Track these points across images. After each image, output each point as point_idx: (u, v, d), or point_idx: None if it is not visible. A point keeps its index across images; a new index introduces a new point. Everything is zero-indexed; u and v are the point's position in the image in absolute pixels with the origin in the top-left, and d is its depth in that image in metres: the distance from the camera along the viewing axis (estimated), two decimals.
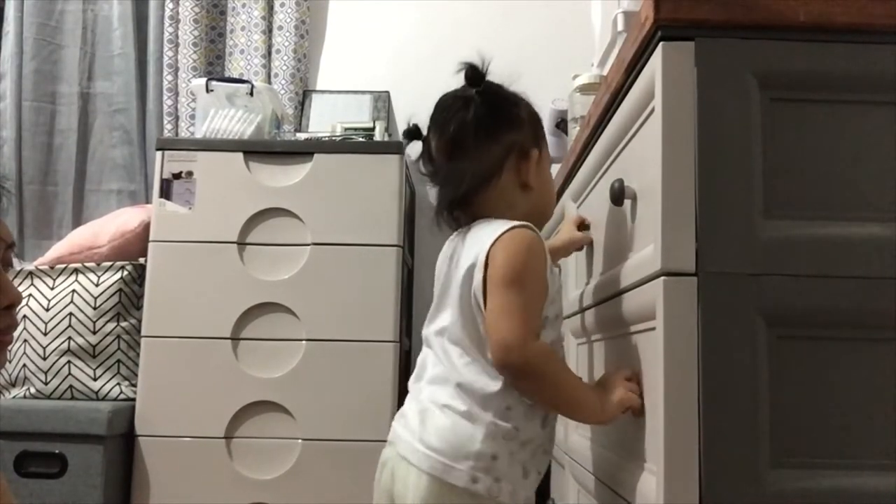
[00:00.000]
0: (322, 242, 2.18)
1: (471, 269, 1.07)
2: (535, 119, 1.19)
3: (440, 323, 1.12)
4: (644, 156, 1.02)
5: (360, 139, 2.34)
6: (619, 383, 1.04)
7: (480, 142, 1.13)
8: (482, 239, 1.08)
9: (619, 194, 1.06)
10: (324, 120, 2.63)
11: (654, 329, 0.93)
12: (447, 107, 1.18)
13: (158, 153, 2.25)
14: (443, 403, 1.06)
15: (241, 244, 2.19)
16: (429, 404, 1.08)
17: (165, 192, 2.22)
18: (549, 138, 2.33)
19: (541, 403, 1.08)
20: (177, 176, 2.23)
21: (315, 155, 2.21)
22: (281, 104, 2.54)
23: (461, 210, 1.16)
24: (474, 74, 1.16)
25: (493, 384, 1.04)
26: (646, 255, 0.97)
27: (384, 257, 2.17)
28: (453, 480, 1.02)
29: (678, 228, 0.90)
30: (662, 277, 0.90)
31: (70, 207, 2.76)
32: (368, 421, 2.08)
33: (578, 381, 1.09)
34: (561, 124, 2.30)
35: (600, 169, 1.32)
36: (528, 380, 1.04)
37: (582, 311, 1.37)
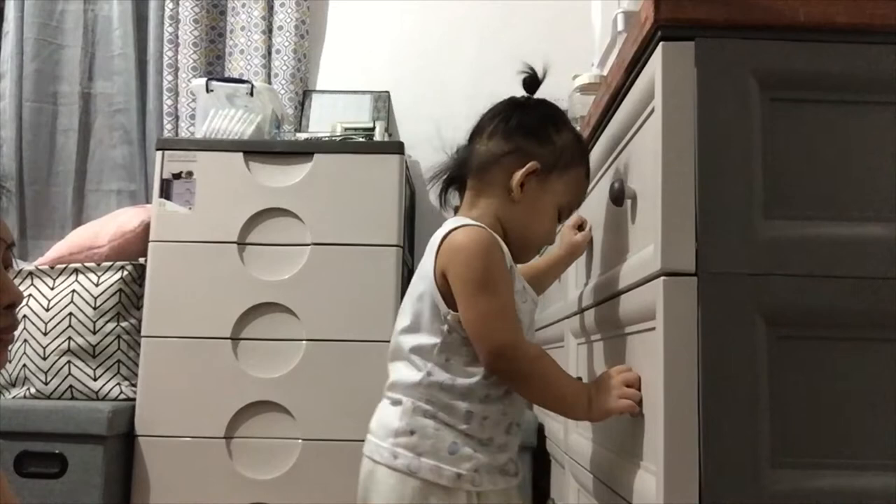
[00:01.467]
0: (322, 242, 2.18)
1: (429, 256, 1.12)
2: (567, 149, 1.18)
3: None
4: (644, 156, 1.02)
5: (360, 139, 2.34)
6: (614, 387, 1.03)
7: (496, 133, 1.17)
8: (442, 229, 1.13)
9: (619, 194, 1.06)
10: (324, 120, 2.63)
11: (653, 329, 0.93)
12: (499, 104, 1.23)
13: (158, 153, 2.24)
14: (385, 394, 1.18)
15: (241, 244, 2.19)
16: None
17: (165, 192, 2.22)
18: None
19: (529, 400, 1.14)
20: (177, 176, 2.23)
21: (315, 155, 2.21)
22: (281, 104, 2.54)
23: (456, 190, 1.21)
24: (531, 81, 1.23)
25: (416, 374, 1.12)
26: (646, 255, 0.97)
27: (384, 257, 2.17)
28: (378, 458, 1.10)
29: (678, 228, 0.90)
30: (662, 277, 0.90)
31: (70, 207, 2.76)
32: (368, 421, 2.07)
33: (566, 378, 1.10)
34: None
35: (600, 169, 1.32)
36: (518, 380, 1.08)
37: (581, 311, 1.37)
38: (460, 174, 1.20)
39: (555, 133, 1.17)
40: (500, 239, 1.12)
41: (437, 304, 1.10)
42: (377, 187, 2.20)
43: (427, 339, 1.11)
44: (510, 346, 1.05)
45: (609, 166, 1.26)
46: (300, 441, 2.09)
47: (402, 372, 1.15)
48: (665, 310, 0.89)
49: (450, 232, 1.11)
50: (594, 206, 1.36)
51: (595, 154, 1.35)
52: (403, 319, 1.16)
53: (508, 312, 1.07)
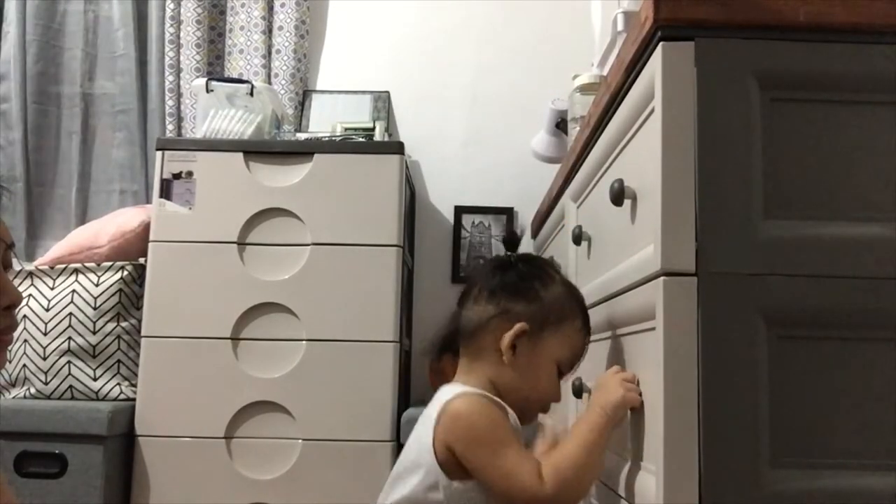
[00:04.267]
0: (322, 242, 2.17)
1: (426, 427, 1.10)
2: (556, 304, 1.15)
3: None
4: (644, 156, 1.02)
5: (360, 139, 2.34)
6: (619, 384, 1.04)
7: (481, 296, 1.16)
8: (437, 400, 1.11)
9: (618, 194, 1.06)
10: (324, 120, 2.63)
11: (653, 329, 0.93)
12: (485, 264, 1.24)
13: (158, 153, 2.24)
14: None
15: (241, 244, 2.19)
16: None
17: (165, 192, 2.22)
18: (548, 138, 2.40)
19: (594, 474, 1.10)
20: (177, 176, 2.23)
21: (315, 155, 2.21)
22: (281, 104, 2.54)
23: (450, 354, 1.18)
24: (510, 240, 1.23)
25: None
26: (646, 254, 0.97)
27: (384, 257, 2.17)
28: None
29: (678, 228, 0.90)
30: (662, 277, 0.90)
31: (73, 208, 2.76)
32: (368, 421, 2.08)
33: (580, 441, 1.05)
34: (561, 124, 2.31)
35: (600, 169, 1.32)
36: (568, 497, 1.05)
37: None
38: (453, 341, 1.18)
39: (542, 289, 1.15)
40: (500, 401, 1.10)
41: (432, 473, 1.07)
42: (377, 187, 2.20)
43: None
44: (538, 489, 1.02)
45: (609, 166, 1.26)
46: (300, 441, 2.09)
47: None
48: (665, 310, 0.89)
49: (448, 402, 1.09)
50: (594, 207, 1.36)
51: (595, 154, 1.35)
52: (399, 488, 1.12)
53: (522, 457, 1.05)
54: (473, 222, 2.70)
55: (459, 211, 2.70)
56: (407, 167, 2.30)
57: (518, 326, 1.12)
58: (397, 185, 2.20)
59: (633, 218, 1.08)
